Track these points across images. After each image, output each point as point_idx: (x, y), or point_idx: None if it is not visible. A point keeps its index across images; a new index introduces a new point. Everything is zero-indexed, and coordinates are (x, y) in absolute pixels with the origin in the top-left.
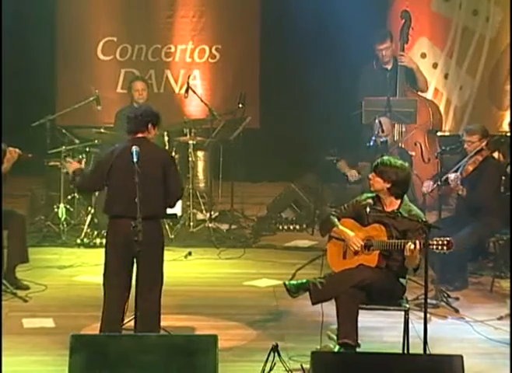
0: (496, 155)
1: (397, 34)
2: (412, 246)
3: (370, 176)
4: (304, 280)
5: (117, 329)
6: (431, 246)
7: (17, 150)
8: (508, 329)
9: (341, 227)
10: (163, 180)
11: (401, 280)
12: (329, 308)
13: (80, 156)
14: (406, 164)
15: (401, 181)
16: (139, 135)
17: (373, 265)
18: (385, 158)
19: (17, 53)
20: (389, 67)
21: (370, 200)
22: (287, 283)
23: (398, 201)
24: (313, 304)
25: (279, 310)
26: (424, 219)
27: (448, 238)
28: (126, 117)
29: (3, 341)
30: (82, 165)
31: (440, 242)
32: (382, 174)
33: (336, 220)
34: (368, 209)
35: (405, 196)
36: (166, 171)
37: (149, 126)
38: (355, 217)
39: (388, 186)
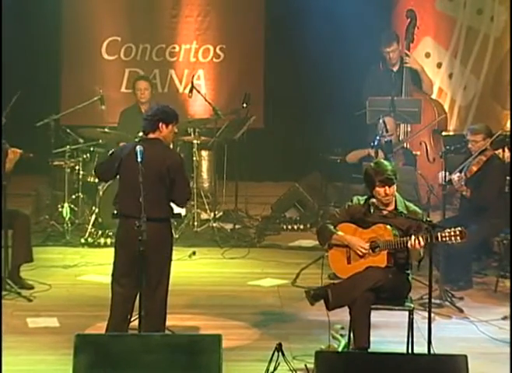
0: (499, 152)
1: (402, 34)
2: (417, 241)
3: (388, 191)
4: (322, 287)
5: (124, 327)
6: (444, 239)
7: (18, 150)
8: None
9: (341, 233)
10: (169, 183)
11: (408, 276)
12: None
13: (84, 156)
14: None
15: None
16: (151, 136)
17: (383, 265)
18: (384, 168)
19: (22, 53)
20: (395, 69)
21: (374, 200)
22: (312, 292)
23: (393, 199)
24: (330, 310)
25: (283, 310)
26: (421, 214)
27: (460, 228)
28: (145, 115)
29: (8, 341)
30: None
31: (453, 233)
32: (393, 181)
33: (333, 228)
34: (372, 210)
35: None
36: (172, 175)
37: (160, 125)
38: (351, 222)
39: (396, 188)
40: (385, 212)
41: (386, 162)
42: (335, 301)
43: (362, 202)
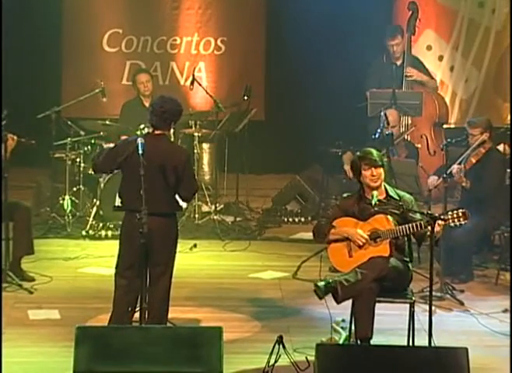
0: (501, 147)
1: (404, 26)
2: (439, 228)
3: (375, 173)
4: (330, 280)
5: (126, 320)
6: (447, 221)
7: (15, 137)
8: None
9: (338, 227)
10: (175, 179)
11: (408, 264)
12: (333, 301)
13: (85, 148)
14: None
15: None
16: (159, 132)
17: (387, 255)
18: (368, 152)
19: (23, 45)
20: (399, 62)
21: (376, 192)
22: (320, 285)
23: (383, 187)
24: (339, 303)
25: (284, 302)
26: (412, 200)
27: (462, 210)
28: (152, 107)
29: (8, 332)
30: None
31: (456, 215)
32: (379, 163)
33: (328, 224)
34: (373, 201)
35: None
36: (180, 172)
37: (172, 124)
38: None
39: (384, 175)
40: (391, 203)
41: (371, 149)
42: (344, 293)
43: (354, 195)
